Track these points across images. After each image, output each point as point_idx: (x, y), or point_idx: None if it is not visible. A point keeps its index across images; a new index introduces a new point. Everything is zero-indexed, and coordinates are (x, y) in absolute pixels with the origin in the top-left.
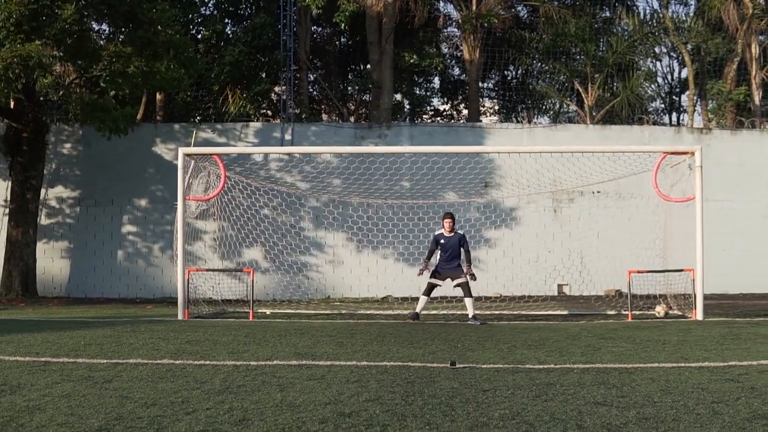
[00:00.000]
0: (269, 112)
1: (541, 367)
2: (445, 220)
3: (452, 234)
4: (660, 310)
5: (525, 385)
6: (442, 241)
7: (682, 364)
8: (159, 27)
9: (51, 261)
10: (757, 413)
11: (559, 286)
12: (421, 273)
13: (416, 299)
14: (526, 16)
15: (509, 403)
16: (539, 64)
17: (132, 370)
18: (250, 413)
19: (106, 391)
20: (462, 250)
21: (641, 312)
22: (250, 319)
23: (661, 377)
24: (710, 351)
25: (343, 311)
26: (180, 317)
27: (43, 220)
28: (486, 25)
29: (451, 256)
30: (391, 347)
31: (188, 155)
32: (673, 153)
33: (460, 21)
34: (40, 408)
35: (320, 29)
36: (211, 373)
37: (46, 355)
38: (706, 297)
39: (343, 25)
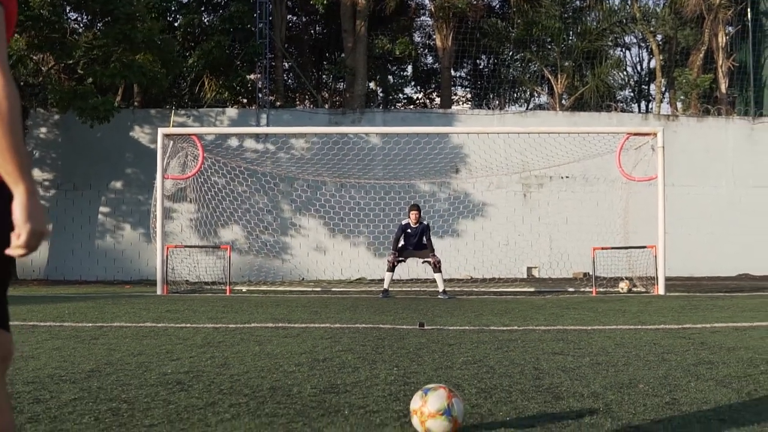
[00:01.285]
0: (245, 99)
1: (504, 328)
2: (412, 212)
3: (418, 224)
4: (623, 286)
5: (488, 341)
6: (408, 230)
7: (639, 327)
8: (137, 23)
9: None
10: (703, 360)
11: (529, 268)
12: (390, 263)
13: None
14: (498, 4)
15: (472, 353)
16: (511, 52)
17: (116, 331)
18: (230, 360)
19: (94, 346)
20: (426, 240)
21: (605, 289)
22: (227, 294)
23: (617, 335)
24: (667, 317)
25: (317, 288)
26: (159, 293)
27: None
28: (458, 13)
29: (417, 246)
30: (363, 314)
31: (167, 136)
32: (636, 134)
33: (432, 9)
34: (33, 357)
35: (296, 18)
36: (192, 333)
37: (33, 320)
38: (670, 279)
39: (320, 8)
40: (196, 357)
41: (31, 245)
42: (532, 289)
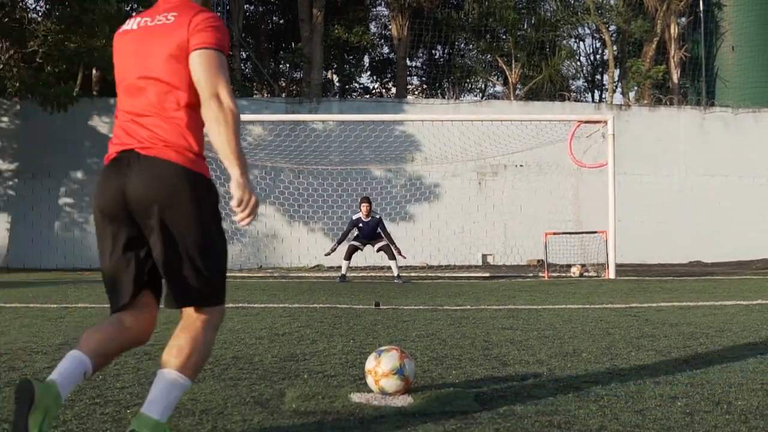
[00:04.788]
0: None
1: (458, 308)
2: (363, 205)
3: (369, 218)
4: (575, 270)
5: (442, 318)
6: (360, 225)
7: (588, 306)
8: (90, 4)
9: None
10: (646, 334)
11: (484, 256)
12: (328, 254)
13: (349, 268)
14: None
15: (426, 328)
16: (465, 42)
17: (81, 311)
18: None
19: (61, 323)
20: (382, 234)
21: (558, 274)
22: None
23: (565, 313)
24: (615, 298)
25: (275, 274)
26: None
27: None
28: (414, 4)
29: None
30: (320, 296)
31: None
32: (587, 122)
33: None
34: (3, 333)
35: (253, 7)
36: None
37: None
38: (622, 266)
39: None
40: (160, 333)
41: (253, 213)
42: (486, 275)
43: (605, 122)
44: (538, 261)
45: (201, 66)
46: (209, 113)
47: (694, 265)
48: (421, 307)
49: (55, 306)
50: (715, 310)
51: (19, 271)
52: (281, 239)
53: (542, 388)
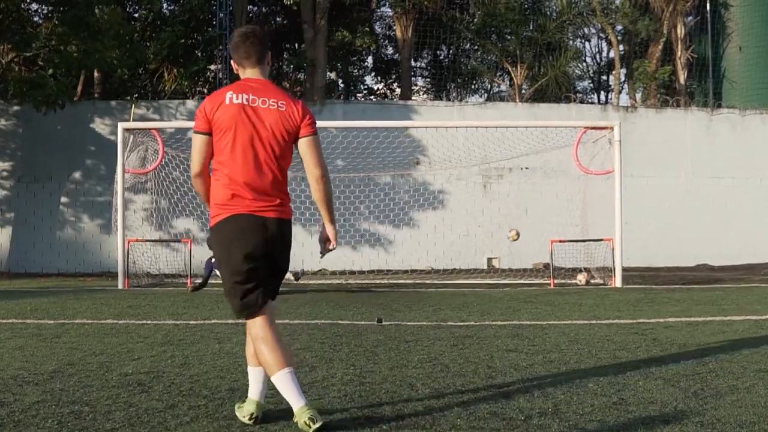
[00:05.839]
0: (205, 90)
1: (461, 324)
2: None
3: None
4: (581, 278)
5: (445, 337)
6: None
7: (594, 322)
8: (94, 8)
9: None
10: (654, 357)
11: (489, 259)
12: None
13: (352, 273)
14: None
15: (428, 351)
16: (470, 43)
17: (78, 328)
18: (190, 359)
19: (56, 345)
20: None
21: (564, 280)
22: (188, 286)
23: (571, 331)
24: (623, 312)
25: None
26: (120, 287)
27: None
28: (418, 5)
29: None
30: (322, 309)
31: (127, 130)
32: (593, 128)
33: (392, 1)
34: None
35: (256, 8)
36: (153, 330)
37: None
38: (629, 270)
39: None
40: (157, 356)
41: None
42: (491, 282)
43: (612, 128)
44: (544, 264)
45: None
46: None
47: (701, 269)
48: (424, 323)
49: (51, 323)
50: (724, 327)
51: (21, 276)
52: None
53: (547, 429)
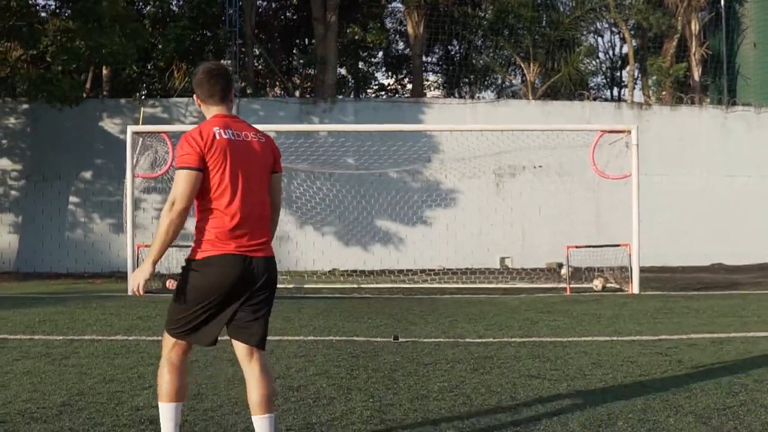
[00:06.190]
0: None
1: (480, 341)
2: None
3: None
4: (598, 283)
5: (464, 358)
6: None
7: (615, 338)
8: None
9: None
10: (682, 386)
11: (502, 258)
12: None
13: (362, 273)
14: None
15: (448, 376)
16: (482, 39)
17: (88, 346)
18: (204, 388)
19: (65, 368)
20: None
21: (579, 285)
22: None
23: (593, 350)
24: (643, 325)
25: (290, 285)
26: (130, 293)
27: None
28: (430, 0)
29: None
30: (336, 321)
31: (136, 133)
32: (610, 131)
33: None
34: (3, 385)
35: (265, 3)
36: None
37: (3, 332)
38: (644, 270)
39: None
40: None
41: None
42: (505, 285)
43: (629, 132)
44: (558, 264)
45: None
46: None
47: (716, 269)
48: (441, 339)
49: (60, 339)
50: (748, 346)
51: (29, 277)
52: (295, 243)
53: None
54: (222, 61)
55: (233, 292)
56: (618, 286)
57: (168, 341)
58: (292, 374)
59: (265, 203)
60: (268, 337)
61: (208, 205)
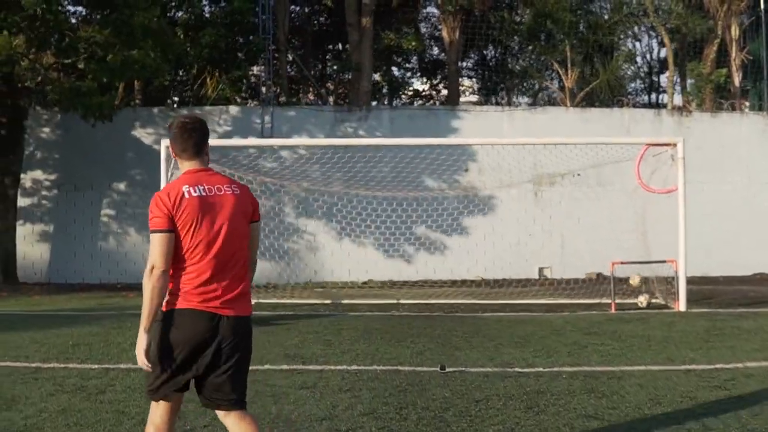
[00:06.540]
0: (247, 96)
1: (529, 370)
2: None
3: None
4: (642, 300)
5: (516, 393)
6: None
7: (670, 367)
8: (135, 10)
9: (31, 246)
10: (746, 428)
11: (540, 269)
12: None
13: (395, 284)
14: None
15: (502, 417)
16: (519, 44)
17: (124, 378)
18: None
19: (101, 405)
20: None
21: (623, 300)
22: None
23: (649, 383)
24: (696, 351)
25: (327, 301)
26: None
27: (23, 205)
28: (466, 6)
29: None
30: (379, 346)
31: None
32: (655, 144)
33: (439, 1)
34: (38, 426)
35: (298, 8)
36: None
37: (36, 360)
38: (686, 281)
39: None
40: (211, 426)
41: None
42: (546, 301)
43: (674, 145)
44: (597, 275)
45: None
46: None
47: (759, 280)
48: (489, 369)
49: (95, 368)
50: None
51: (61, 288)
52: (330, 253)
53: None
54: (255, 67)
55: (197, 348)
56: (663, 302)
57: (152, 406)
58: (338, 414)
59: (240, 257)
60: (308, 366)
61: (179, 262)
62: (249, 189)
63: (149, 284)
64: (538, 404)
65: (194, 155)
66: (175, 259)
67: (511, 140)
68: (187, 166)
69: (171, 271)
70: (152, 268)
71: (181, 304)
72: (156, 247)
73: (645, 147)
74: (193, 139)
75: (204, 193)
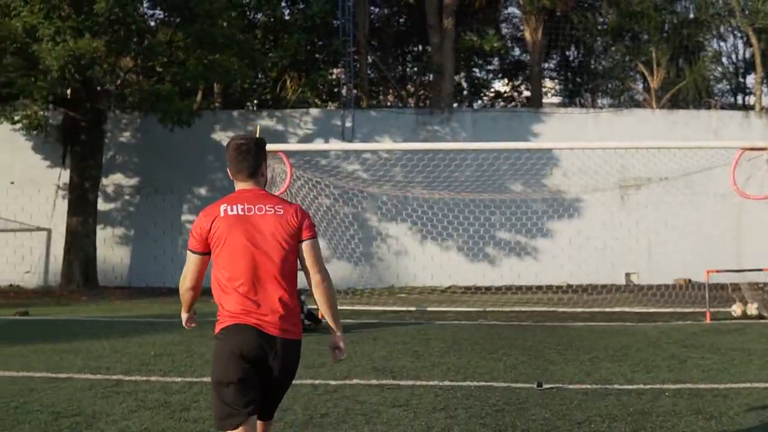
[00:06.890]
0: (327, 98)
1: (630, 387)
2: None
3: None
4: (736, 309)
5: (619, 414)
6: None
7: None
8: (217, 20)
9: (111, 250)
10: None
11: (627, 274)
12: None
13: (479, 289)
14: None
15: None
16: (602, 45)
17: (208, 393)
18: None
19: (185, 424)
20: None
21: (717, 309)
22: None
23: (757, 402)
24: None
25: (412, 309)
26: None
27: (103, 209)
28: (548, 6)
29: None
30: (470, 359)
31: None
32: (750, 149)
33: (521, 2)
34: None
35: (378, 9)
36: (290, 395)
37: (118, 372)
38: None
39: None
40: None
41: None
42: (639, 309)
43: None
44: (686, 280)
45: None
46: None
47: None
48: (588, 386)
49: (178, 381)
50: None
51: (142, 293)
52: (413, 257)
53: None
54: (335, 69)
55: (251, 359)
56: (758, 313)
57: None
58: None
59: (278, 279)
60: (399, 382)
61: (222, 279)
62: (300, 208)
63: (181, 290)
64: (645, 426)
65: (249, 177)
66: (216, 275)
67: (600, 144)
68: (240, 186)
69: (213, 290)
70: (184, 279)
71: (227, 322)
72: (186, 264)
73: (740, 151)
74: (247, 161)
75: (241, 212)
